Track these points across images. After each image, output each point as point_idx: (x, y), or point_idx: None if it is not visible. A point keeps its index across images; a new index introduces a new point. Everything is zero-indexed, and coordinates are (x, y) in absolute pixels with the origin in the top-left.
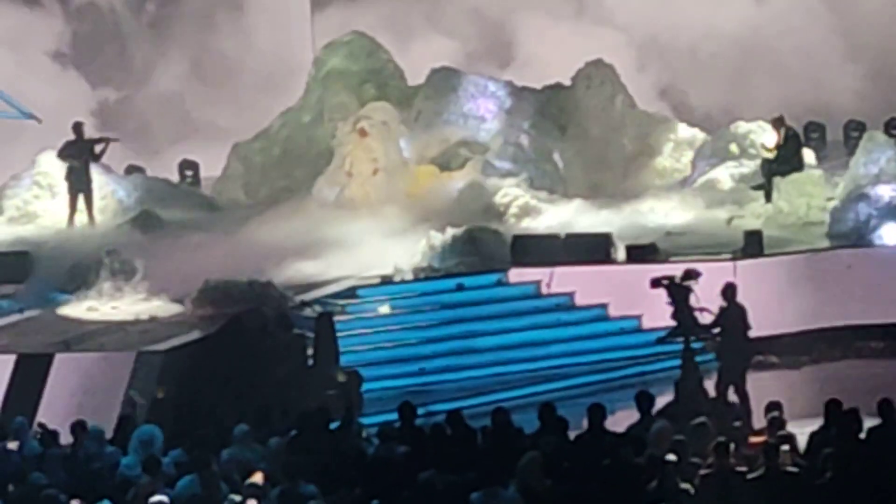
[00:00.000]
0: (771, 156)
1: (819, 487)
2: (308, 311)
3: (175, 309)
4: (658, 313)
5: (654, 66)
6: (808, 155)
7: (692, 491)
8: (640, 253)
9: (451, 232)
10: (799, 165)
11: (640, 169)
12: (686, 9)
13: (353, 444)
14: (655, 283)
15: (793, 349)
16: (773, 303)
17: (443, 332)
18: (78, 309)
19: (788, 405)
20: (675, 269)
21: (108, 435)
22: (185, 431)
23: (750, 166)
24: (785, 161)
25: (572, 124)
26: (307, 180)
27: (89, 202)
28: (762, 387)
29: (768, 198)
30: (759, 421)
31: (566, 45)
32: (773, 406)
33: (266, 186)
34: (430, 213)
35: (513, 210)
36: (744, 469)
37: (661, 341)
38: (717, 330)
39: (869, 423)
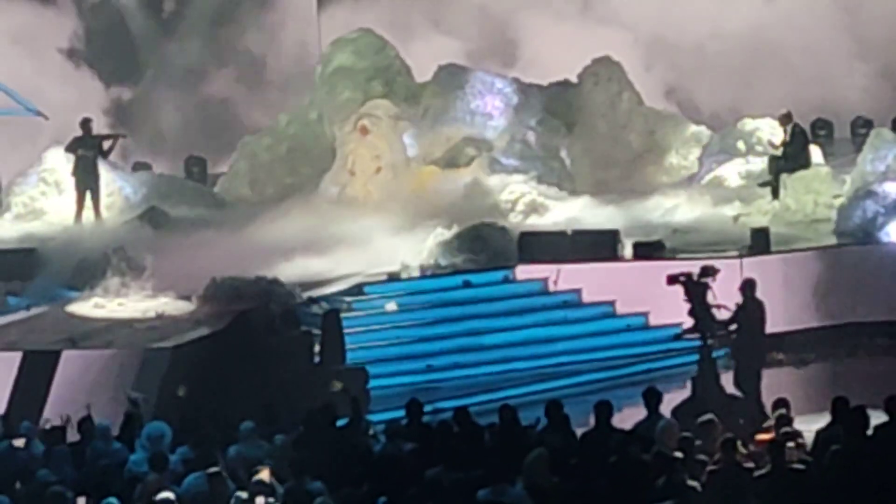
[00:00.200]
0: (778, 153)
1: (826, 484)
2: (315, 308)
3: (182, 306)
4: (665, 310)
5: (661, 65)
6: (816, 152)
7: (699, 488)
8: (647, 250)
9: (457, 229)
10: (806, 163)
11: (647, 166)
12: (693, 7)
13: (360, 441)
14: (672, 279)
15: (800, 346)
16: (779, 300)
17: (450, 329)
18: (85, 306)
19: (795, 402)
20: (683, 266)
21: (115, 432)
22: (192, 428)
23: (757, 163)
24: (792, 158)
25: (579, 121)
26: (314, 177)
27: (96, 199)
28: (769, 384)
29: (775, 195)
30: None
31: (571, 45)
32: (780, 403)
33: (273, 183)
34: (437, 210)
35: (519, 207)
36: (751, 466)
37: (677, 338)
38: (734, 327)
39: (876, 420)
